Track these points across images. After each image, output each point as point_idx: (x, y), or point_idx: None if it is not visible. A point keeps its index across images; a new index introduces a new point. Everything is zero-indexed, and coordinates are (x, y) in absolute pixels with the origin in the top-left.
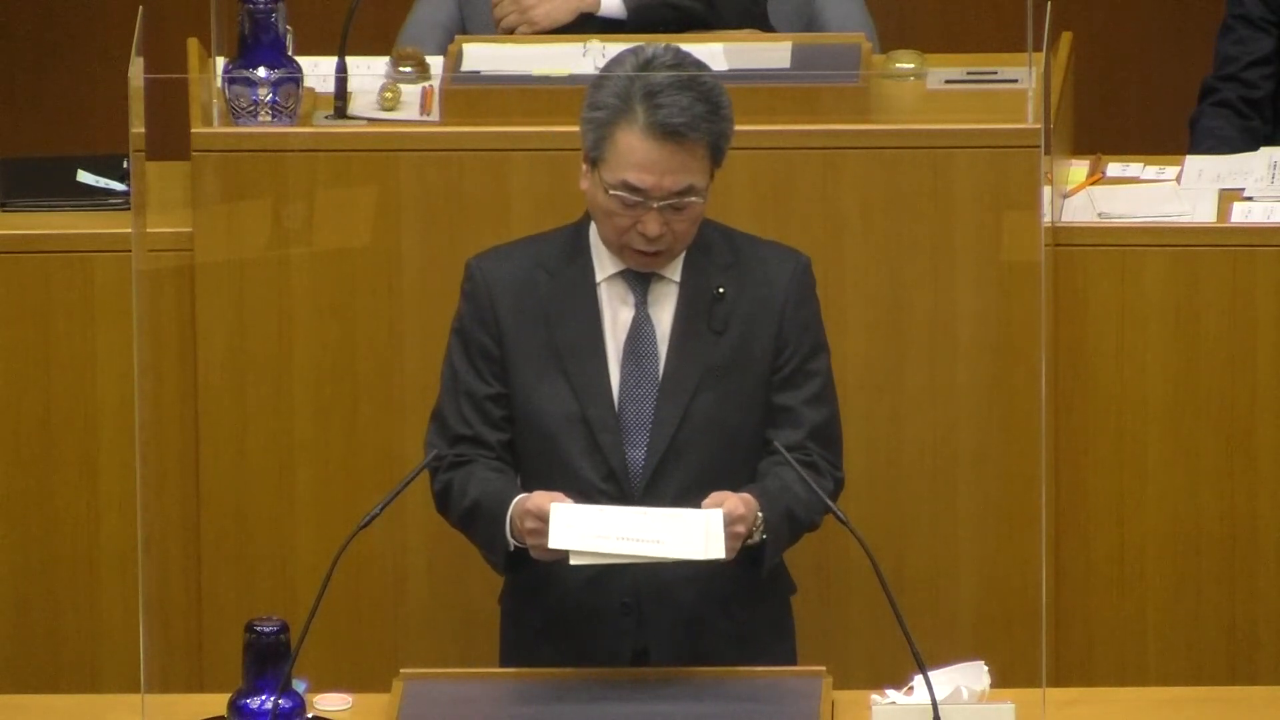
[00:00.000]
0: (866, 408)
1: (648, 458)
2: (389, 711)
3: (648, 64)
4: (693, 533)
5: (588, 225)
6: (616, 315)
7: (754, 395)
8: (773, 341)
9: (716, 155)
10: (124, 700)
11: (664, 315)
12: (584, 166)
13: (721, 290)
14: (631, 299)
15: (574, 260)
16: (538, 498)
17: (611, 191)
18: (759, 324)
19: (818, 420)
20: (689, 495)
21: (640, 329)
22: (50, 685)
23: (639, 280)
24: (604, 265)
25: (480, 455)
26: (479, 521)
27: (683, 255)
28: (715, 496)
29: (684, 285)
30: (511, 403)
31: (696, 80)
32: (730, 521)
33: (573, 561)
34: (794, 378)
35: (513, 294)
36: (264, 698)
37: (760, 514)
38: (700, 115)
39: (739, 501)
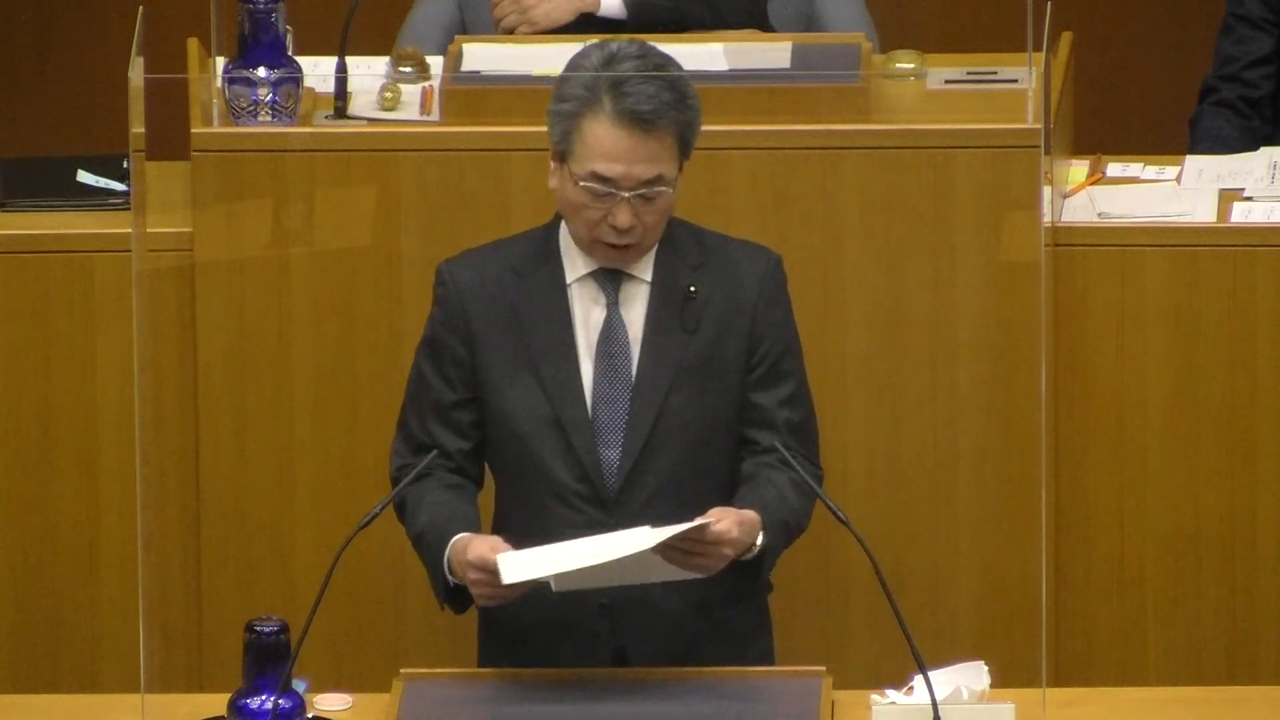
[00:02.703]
0: (866, 408)
1: (622, 458)
2: (389, 711)
3: (612, 58)
4: (635, 538)
5: (558, 227)
6: (588, 316)
7: (727, 394)
8: (745, 340)
9: (684, 146)
10: (124, 700)
11: (636, 315)
12: (552, 164)
13: (693, 289)
14: (603, 299)
15: (545, 262)
16: (477, 547)
17: (581, 183)
18: (731, 323)
19: (794, 419)
20: (664, 495)
21: (612, 329)
22: (50, 685)
23: (610, 280)
24: (575, 266)
25: (439, 466)
26: (423, 552)
27: (653, 255)
28: (715, 513)
29: (655, 285)
30: (484, 406)
31: (662, 70)
32: (719, 543)
33: (555, 588)
34: (768, 376)
35: (484, 297)
36: (264, 698)
37: (761, 534)
38: (667, 103)
39: (734, 523)
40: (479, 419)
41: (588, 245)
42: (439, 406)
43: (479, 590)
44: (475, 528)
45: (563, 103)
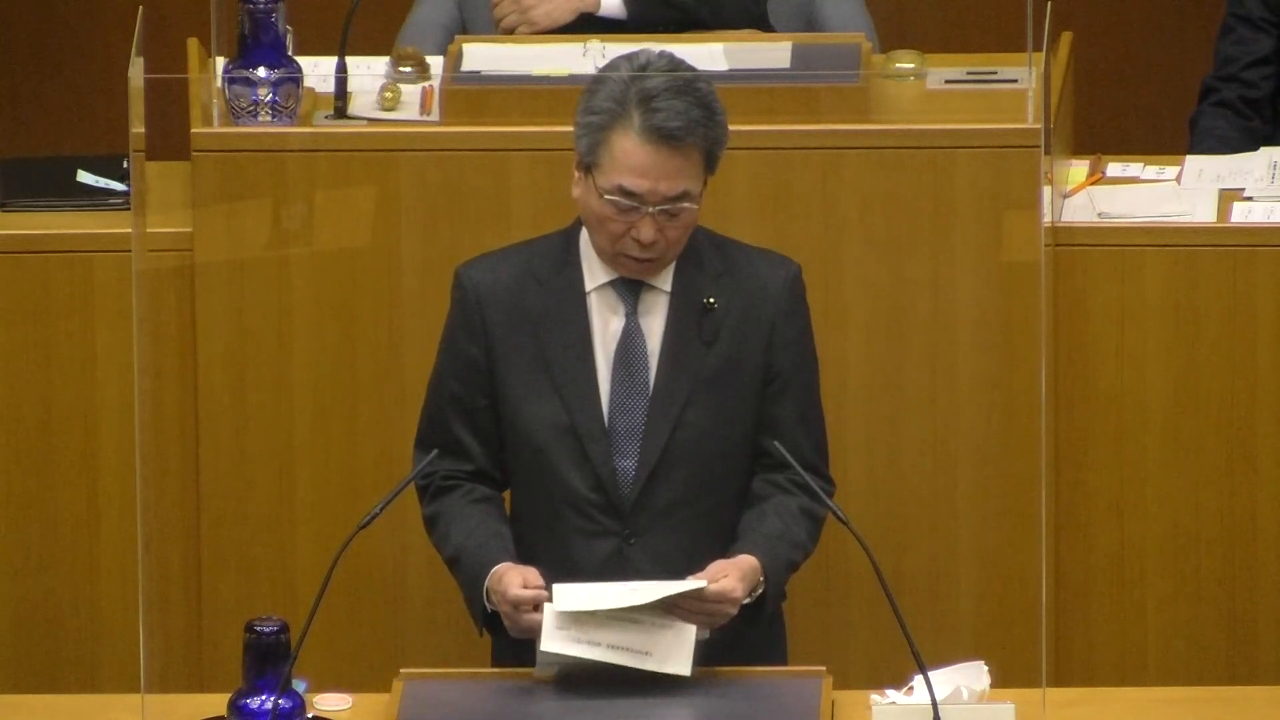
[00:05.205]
0: (866, 408)
1: (638, 468)
2: (389, 711)
3: (643, 69)
4: (644, 590)
5: (578, 233)
6: (607, 325)
7: (744, 406)
8: (763, 352)
9: (711, 162)
10: (124, 700)
11: (655, 325)
12: (576, 173)
13: (712, 301)
14: (622, 308)
15: (564, 269)
16: (512, 580)
17: (607, 197)
18: (750, 335)
19: (808, 432)
20: (679, 505)
21: (630, 339)
22: (50, 685)
23: (629, 289)
24: (594, 274)
25: (464, 474)
26: (459, 576)
27: (673, 264)
28: (716, 568)
29: (674, 295)
30: (500, 412)
31: (692, 85)
32: (720, 600)
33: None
34: (785, 389)
35: (502, 303)
36: (264, 698)
37: (763, 578)
38: (696, 120)
39: (738, 581)
40: (498, 424)
41: (610, 257)
42: (462, 409)
43: (509, 624)
44: (511, 548)
45: (591, 115)
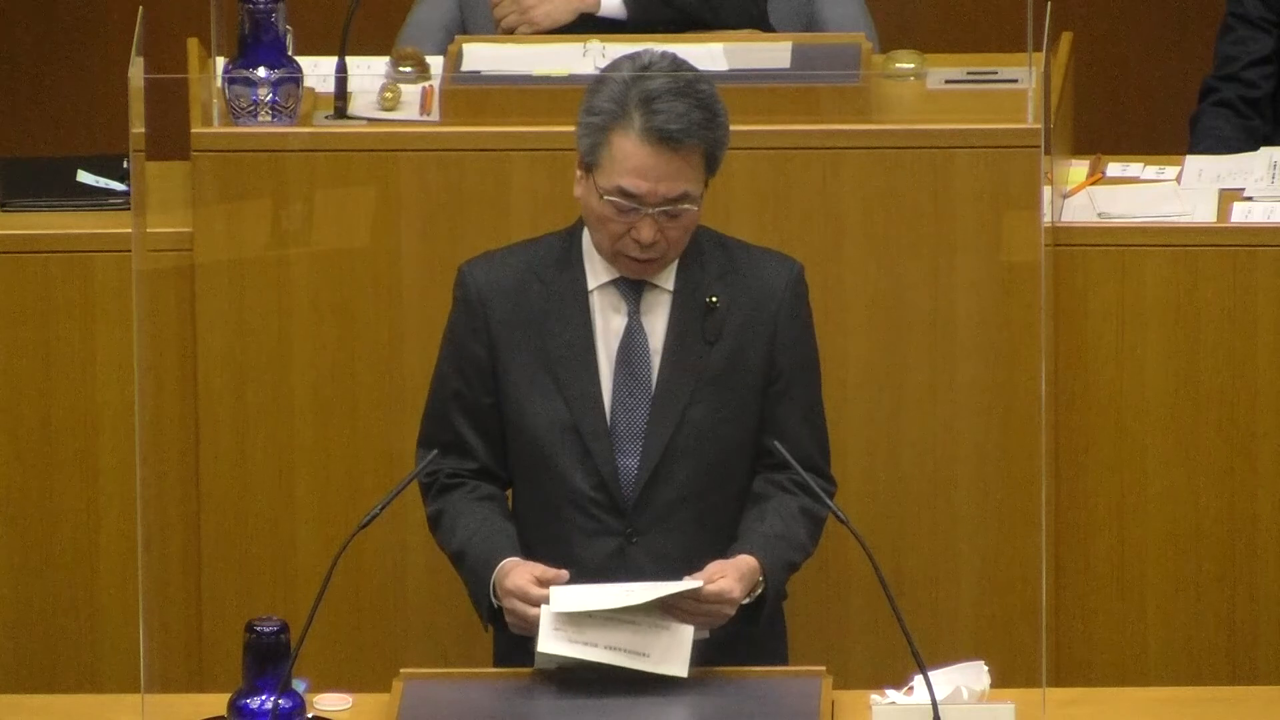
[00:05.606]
0: (866, 408)
1: (640, 467)
2: (389, 711)
3: (645, 69)
4: (641, 591)
5: (580, 231)
6: (609, 323)
7: (747, 405)
8: (766, 352)
9: (712, 163)
10: (124, 700)
11: (657, 324)
12: (578, 172)
13: (714, 300)
14: (624, 307)
15: (566, 267)
16: (516, 576)
17: (606, 197)
18: (753, 334)
19: (810, 433)
20: (681, 504)
21: (633, 337)
22: (50, 685)
23: (632, 288)
24: (597, 273)
25: (467, 472)
26: (464, 572)
27: (675, 263)
28: (714, 568)
29: (677, 294)
30: (503, 411)
31: (693, 87)
32: (718, 601)
33: (544, 649)
34: (787, 388)
35: (505, 301)
36: (264, 698)
37: (762, 578)
38: (697, 122)
39: (735, 582)
40: (501, 422)
41: (610, 256)
42: (465, 407)
43: (510, 619)
44: (516, 544)
45: (592, 115)
